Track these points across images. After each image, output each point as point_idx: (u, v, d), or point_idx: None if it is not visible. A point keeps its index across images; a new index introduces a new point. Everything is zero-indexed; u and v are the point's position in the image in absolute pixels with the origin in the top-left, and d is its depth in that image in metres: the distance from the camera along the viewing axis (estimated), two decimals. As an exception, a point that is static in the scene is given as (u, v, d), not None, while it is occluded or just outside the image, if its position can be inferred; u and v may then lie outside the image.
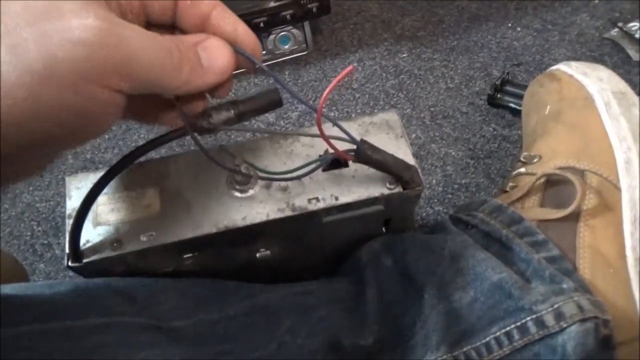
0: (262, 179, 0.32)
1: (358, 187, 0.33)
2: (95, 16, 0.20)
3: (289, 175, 0.31)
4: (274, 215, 0.32)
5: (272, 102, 0.30)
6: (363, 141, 0.30)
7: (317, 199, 0.32)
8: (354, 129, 0.35)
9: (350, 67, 0.27)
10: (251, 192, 0.33)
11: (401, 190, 0.32)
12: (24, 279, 0.42)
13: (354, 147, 0.30)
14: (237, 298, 0.33)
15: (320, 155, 0.33)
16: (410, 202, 0.35)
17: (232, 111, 0.29)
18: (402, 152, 0.34)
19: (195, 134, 0.28)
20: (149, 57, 0.22)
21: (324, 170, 0.33)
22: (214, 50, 0.26)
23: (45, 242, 0.54)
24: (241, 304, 0.32)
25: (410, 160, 0.33)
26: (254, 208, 0.32)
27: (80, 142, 0.23)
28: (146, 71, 0.22)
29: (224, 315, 0.31)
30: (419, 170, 0.33)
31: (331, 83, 0.27)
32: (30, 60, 0.19)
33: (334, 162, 0.33)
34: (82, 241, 0.30)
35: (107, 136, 0.62)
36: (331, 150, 0.30)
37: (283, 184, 0.33)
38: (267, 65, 0.66)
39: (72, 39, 0.19)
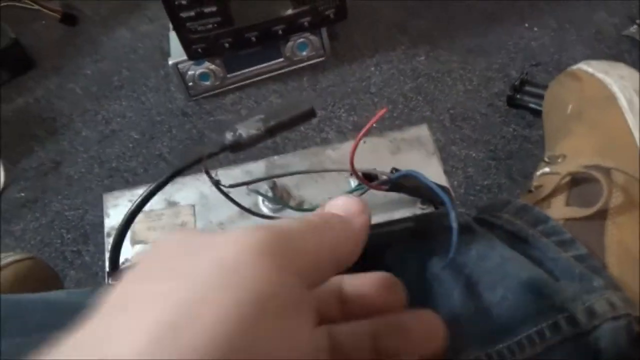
0: None
1: (390, 207, 0.32)
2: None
3: None
4: None
5: (304, 114, 0.30)
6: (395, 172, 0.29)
7: None
8: (385, 145, 0.35)
9: (384, 109, 0.27)
10: (285, 212, 0.33)
11: (433, 209, 0.32)
12: (59, 286, 0.43)
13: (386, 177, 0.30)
14: None
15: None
16: (441, 218, 0.35)
17: (262, 127, 0.29)
18: (434, 170, 0.34)
19: (223, 187, 0.30)
20: None
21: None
22: None
23: (75, 249, 0.56)
24: None
25: (442, 178, 0.33)
26: None
27: None
28: None
29: None
30: (451, 190, 0.32)
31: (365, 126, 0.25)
32: None
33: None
34: (121, 259, 0.31)
35: (130, 145, 0.63)
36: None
37: (314, 203, 0.33)
38: (286, 72, 0.67)
39: None
